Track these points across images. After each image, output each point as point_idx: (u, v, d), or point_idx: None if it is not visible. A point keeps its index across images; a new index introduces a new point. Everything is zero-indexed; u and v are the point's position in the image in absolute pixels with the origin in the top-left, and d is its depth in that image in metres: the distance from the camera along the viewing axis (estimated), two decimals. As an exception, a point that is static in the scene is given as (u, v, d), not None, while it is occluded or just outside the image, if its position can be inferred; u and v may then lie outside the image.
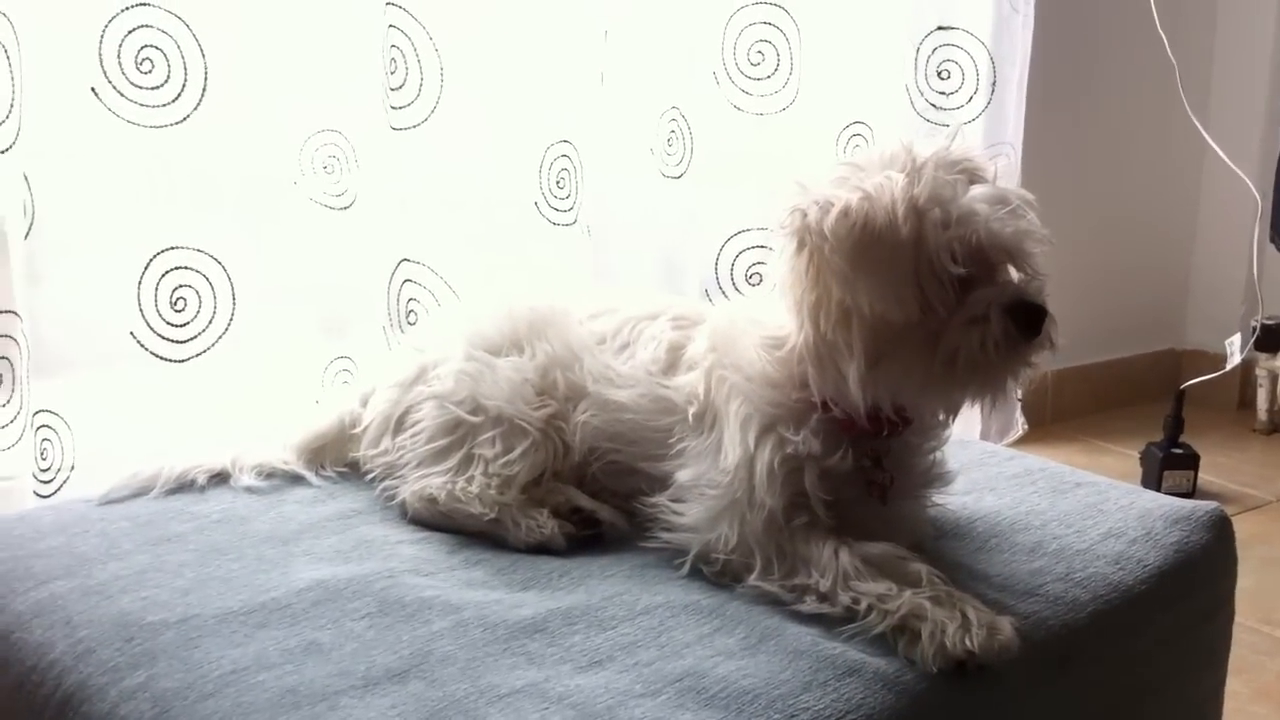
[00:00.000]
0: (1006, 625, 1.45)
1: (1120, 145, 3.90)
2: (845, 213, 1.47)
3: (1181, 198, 4.10)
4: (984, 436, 3.31)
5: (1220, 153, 3.50)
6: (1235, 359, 3.41)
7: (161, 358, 2.21)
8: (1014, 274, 1.54)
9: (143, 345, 2.19)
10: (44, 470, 2.11)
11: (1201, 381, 3.45)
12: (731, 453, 1.58)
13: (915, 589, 1.47)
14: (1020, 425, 3.48)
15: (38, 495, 2.10)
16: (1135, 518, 1.78)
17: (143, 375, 2.22)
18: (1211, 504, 1.85)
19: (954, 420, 1.67)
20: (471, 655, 1.38)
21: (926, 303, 1.47)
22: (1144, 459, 3.42)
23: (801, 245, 1.51)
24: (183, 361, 2.23)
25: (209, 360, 2.25)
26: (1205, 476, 3.41)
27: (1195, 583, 1.75)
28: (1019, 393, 3.33)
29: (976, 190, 1.52)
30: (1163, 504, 1.83)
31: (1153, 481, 3.31)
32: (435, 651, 1.38)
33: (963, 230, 1.48)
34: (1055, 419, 3.86)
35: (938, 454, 1.69)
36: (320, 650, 1.37)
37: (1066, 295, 3.62)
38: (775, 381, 1.59)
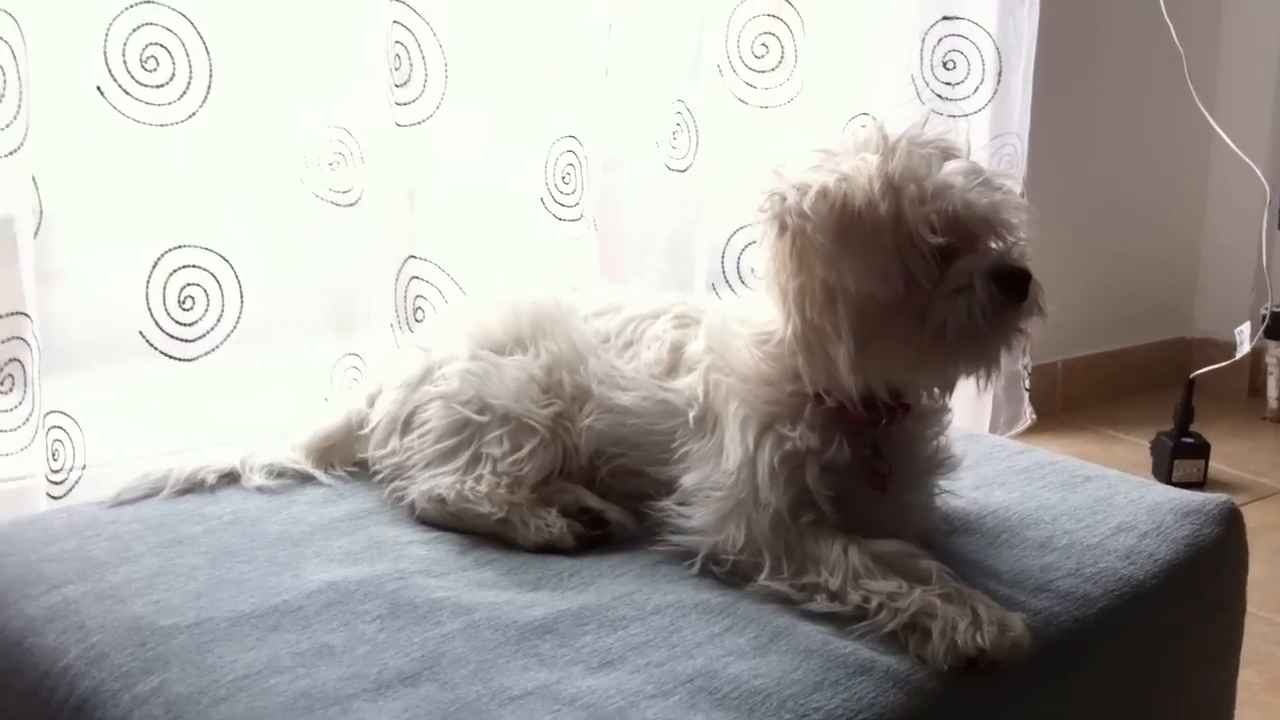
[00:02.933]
0: (1017, 621, 1.45)
1: (1127, 133, 3.89)
2: (824, 193, 1.48)
3: (1189, 185, 4.09)
4: (992, 428, 3.31)
5: (1228, 140, 3.49)
6: (1244, 347, 3.41)
7: (170, 356, 2.22)
8: (995, 245, 1.53)
9: (151, 344, 2.19)
10: (55, 471, 2.11)
11: (1211, 370, 3.44)
12: (733, 454, 1.58)
13: (925, 586, 1.47)
14: (1029, 416, 3.48)
15: (50, 496, 2.10)
16: (1145, 511, 1.78)
17: (154, 373, 2.22)
18: (1222, 497, 1.84)
19: (949, 398, 1.66)
20: (483, 657, 1.38)
21: (910, 277, 1.48)
22: (1154, 448, 3.41)
23: (783, 228, 1.52)
24: (191, 360, 2.23)
25: (218, 358, 2.25)
26: (1216, 465, 3.40)
27: (1206, 576, 1.74)
28: (1026, 375, 3.36)
29: (951, 165, 1.53)
30: (1173, 497, 1.82)
31: (1163, 471, 3.30)
32: (447, 653, 1.38)
33: (940, 203, 1.49)
34: (1065, 409, 3.85)
35: (940, 440, 1.68)
36: (332, 653, 1.37)
37: (1075, 284, 3.66)
38: (769, 378, 1.59)
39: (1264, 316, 3.62)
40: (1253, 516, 3.06)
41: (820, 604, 1.49)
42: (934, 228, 1.47)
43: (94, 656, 1.38)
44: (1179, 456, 3.31)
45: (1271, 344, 3.77)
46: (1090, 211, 3.77)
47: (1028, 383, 3.45)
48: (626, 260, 2.73)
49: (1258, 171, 3.48)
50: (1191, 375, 3.39)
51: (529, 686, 1.33)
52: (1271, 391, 3.84)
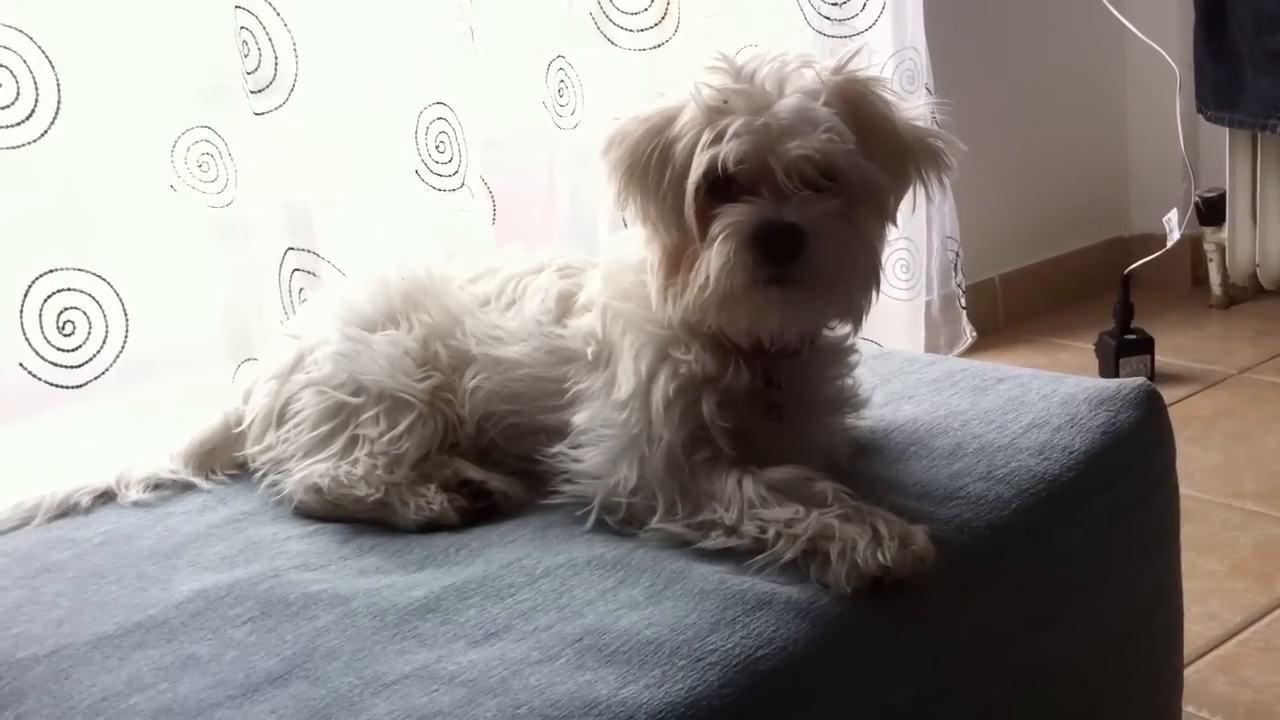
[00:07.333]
0: (920, 534, 1.39)
1: (1034, 38, 3.80)
2: (612, 137, 1.50)
3: (1106, 82, 4.01)
4: (930, 350, 3.24)
5: (1135, 30, 3.42)
6: (1175, 235, 3.33)
7: (56, 385, 2.11)
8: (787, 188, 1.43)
9: (35, 375, 2.09)
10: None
11: (1153, 264, 3.37)
12: (625, 384, 1.52)
13: (823, 509, 1.40)
14: (969, 335, 3.40)
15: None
16: (1059, 405, 1.71)
17: (47, 406, 2.13)
18: (1138, 380, 1.77)
19: (854, 338, 1.61)
20: (358, 646, 1.30)
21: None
22: (1099, 350, 3.35)
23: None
24: (79, 387, 2.13)
25: (110, 383, 2.16)
26: (1165, 359, 3.35)
27: (1128, 463, 1.67)
28: (961, 294, 3.28)
29: (782, 103, 1.42)
30: (1086, 387, 1.75)
31: (1110, 371, 3.24)
32: (320, 648, 1.31)
33: (730, 145, 1.40)
34: (1008, 323, 3.78)
35: (845, 380, 1.62)
36: (198, 663, 1.30)
37: (1003, 196, 3.59)
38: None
39: (1196, 203, 3.55)
40: (1205, 405, 3.02)
41: (716, 541, 1.43)
42: (714, 173, 1.42)
43: (-54, 701, 1.30)
44: (1123, 354, 3.25)
45: (1207, 230, 3.70)
46: (1009, 121, 3.69)
47: (963, 301, 3.37)
48: (527, 224, 2.65)
49: (1167, 57, 3.41)
50: (1126, 271, 3.33)
51: (405, 670, 1.26)
52: (1214, 278, 3.77)
